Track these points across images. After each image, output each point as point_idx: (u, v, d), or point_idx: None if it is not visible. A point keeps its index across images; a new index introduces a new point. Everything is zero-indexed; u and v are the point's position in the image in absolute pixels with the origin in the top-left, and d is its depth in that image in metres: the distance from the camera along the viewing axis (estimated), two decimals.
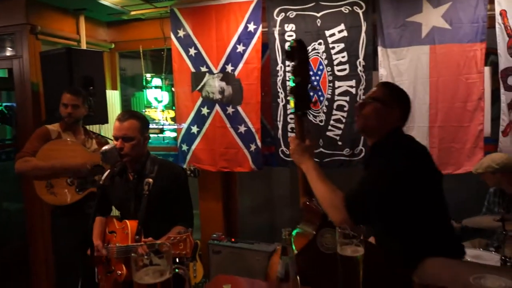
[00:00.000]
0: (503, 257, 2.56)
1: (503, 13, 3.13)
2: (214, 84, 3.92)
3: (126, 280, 2.07)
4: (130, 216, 2.20)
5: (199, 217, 4.19)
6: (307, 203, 1.79)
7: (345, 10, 3.47)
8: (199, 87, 3.98)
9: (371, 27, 3.42)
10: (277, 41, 3.68)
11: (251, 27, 3.72)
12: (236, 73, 3.83)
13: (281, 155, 3.78)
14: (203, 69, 3.94)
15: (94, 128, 3.89)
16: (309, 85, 1.77)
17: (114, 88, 4.57)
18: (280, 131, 3.74)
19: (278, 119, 3.74)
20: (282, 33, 3.66)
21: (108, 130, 4.13)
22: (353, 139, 3.54)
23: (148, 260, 0.96)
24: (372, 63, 3.47)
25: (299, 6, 3.59)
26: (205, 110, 3.99)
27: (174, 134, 4.56)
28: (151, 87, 4.61)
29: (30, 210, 3.66)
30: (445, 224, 1.79)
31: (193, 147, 4.04)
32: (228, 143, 3.92)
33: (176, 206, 2.18)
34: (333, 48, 3.52)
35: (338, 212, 1.56)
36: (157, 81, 4.61)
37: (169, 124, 4.63)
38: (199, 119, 4.01)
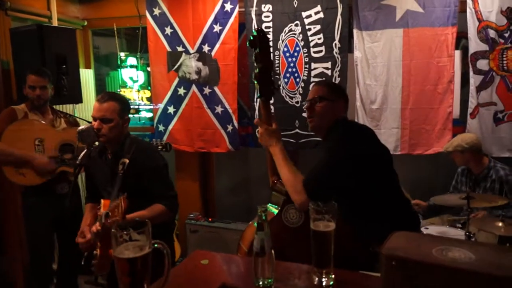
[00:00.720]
0: (467, 233, 2.70)
1: None
2: (190, 64, 3.90)
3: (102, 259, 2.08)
4: (109, 196, 2.20)
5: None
6: (275, 182, 1.94)
7: None
8: (176, 67, 3.94)
9: (347, 9, 3.45)
10: (254, 22, 3.67)
11: (228, 6, 3.69)
12: (212, 53, 3.81)
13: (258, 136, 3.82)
14: (180, 48, 3.91)
15: (68, 107, 3.82)
16: (272, 72, 1.89)
17: (87, 67, 4.47)
18: (257, 112, 3.78)
19: (255, 100, 3.76)
20: (259, 13, 3.65)
21: (81, 110, 4.06)
22: None
23: (128, 236, 0.99)
24: (347, 45, 3.51)
25: None
26: (181, 91, 3.97)
27: (150, 115, 4.52)
28: (126, 67, 4.53)
29: None
30: (399, 197, 1.96)
31: (170, 127, 4.03)
32: (205, 124, 3.93)
33: (154, 186, 2.18)
34: (310, 29, 3.54)
35: (298, 195, 1.72)
36: (132, 61, 4.53)
37: (144, 104, 4.58)
38: (176, 100, 3.99)
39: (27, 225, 3.08)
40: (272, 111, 3.65)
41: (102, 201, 2.16)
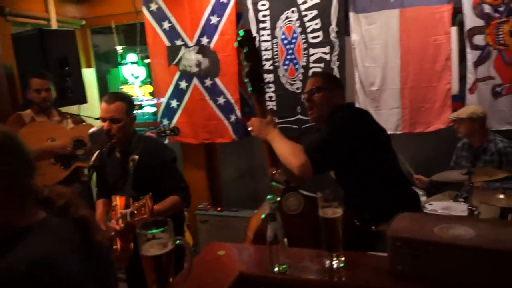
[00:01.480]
0: (469, 207, 2.77)
1: None
2: (190, 57, 3.94)
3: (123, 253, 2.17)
4: (121, 193, 2.28)
5: None
6: (274, 172, 1.98)
7: None
8: (176, 61, 3.99)
9: None
10: (251, 11, 3.70)
11: None
12: (211, 45, 3.85)
13: None
14: (178, 42, 3.94)
15: (72, 108, 3.88)
16: (261, 69, 2.01)
17: (88, 66, 4.52)
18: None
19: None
20: (255, 2, 3.67)
21: (86, 110, 4.12)
22: None
23: (152, 235, 1.06)
24: (344, 29, 3.53)
25: None
26: (183, 84, 4.02)
27: (153, 109, 4.57)
28: (126, 63, 4.56)
29: None
30: (397, 176, 2.03)
31: (174, 121, 4.09)
32: (209, 115, 3.99)
33: (166, 180, 2.25)
34: (306, 15, 3.56)
35: (298, 156, 1.78)
36: (132, 57, 4.56)
37: (147, 100, 4.63)
38: (178, 93, 4.05)
39: None
40: (269, 107, 3.72)
41: (118, 198, 2.23)
